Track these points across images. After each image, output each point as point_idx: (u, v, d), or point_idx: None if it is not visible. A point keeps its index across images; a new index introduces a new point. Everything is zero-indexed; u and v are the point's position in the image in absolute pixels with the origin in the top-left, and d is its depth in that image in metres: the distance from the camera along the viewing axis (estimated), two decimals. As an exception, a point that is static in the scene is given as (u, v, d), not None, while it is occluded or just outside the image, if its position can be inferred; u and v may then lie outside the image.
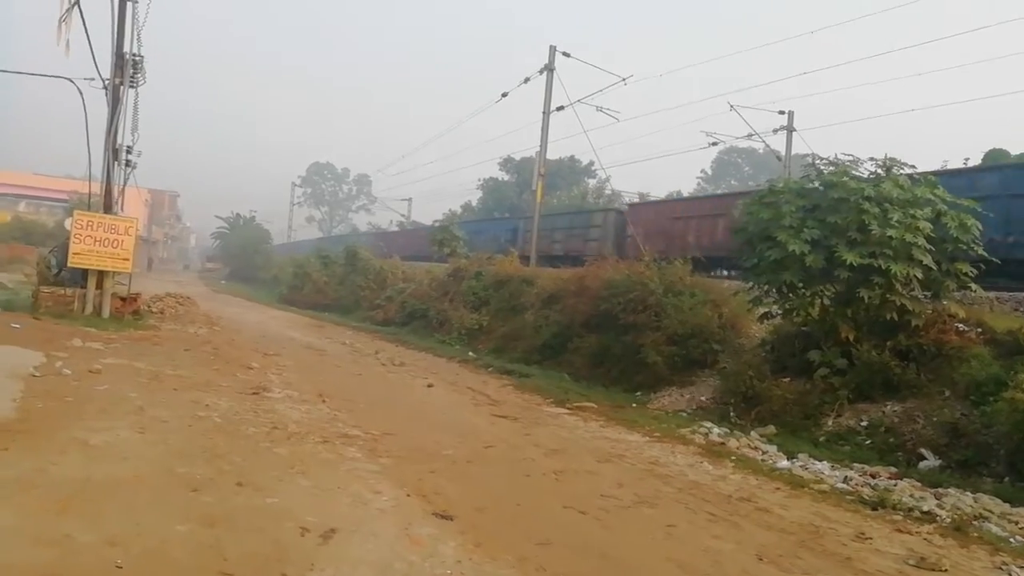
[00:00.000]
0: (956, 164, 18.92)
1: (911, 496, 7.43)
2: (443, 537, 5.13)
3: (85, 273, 15.97)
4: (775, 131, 30.14)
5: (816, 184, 11.32)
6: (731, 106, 28.16)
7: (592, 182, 52.70)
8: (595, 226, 27.49)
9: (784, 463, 8.77)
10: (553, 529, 5.67)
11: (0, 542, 4.14)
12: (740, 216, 12.32)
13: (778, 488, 7.69)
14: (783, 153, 30.54)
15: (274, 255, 59.01)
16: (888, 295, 9.99)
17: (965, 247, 10.22)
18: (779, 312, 11.63)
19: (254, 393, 9.90)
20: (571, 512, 6.19)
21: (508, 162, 56.03)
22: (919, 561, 5.63)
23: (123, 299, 16.58)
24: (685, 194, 50.16)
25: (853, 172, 11.00)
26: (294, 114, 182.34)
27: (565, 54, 27.07)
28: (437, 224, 37.26)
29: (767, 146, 32.05)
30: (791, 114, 29.88)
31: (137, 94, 16.98)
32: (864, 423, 9.67)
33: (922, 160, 11.88)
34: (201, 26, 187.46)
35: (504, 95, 29.90)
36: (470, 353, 18.64)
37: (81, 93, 15.74)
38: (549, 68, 27.10)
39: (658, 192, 47.13)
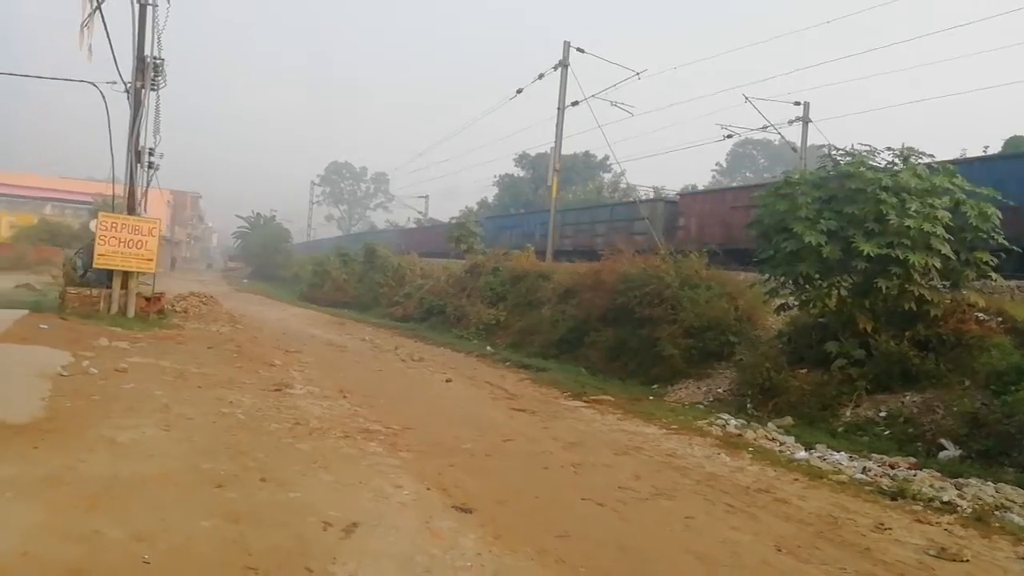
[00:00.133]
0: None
1: (931, 486, 7.39)
2: (463, 530, 5.20)
3: (110, 274, 16.23)
4: (790, 122, 29.85)
5: (832, 174, 11.25)
6: (746, 98, 27.89)
7: (607, 177, 52.61)
8: (641, 218, 25.66)
9: (802, 454, 8.76)
10: (572, 521, 5.72)
11: (31, 538, 4.23)
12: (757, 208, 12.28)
13: (796, 479, 7.69)
14: (799, 144, 30.25)
15: (294, 254, 59.51)
16: (906, 285, 9.92)
17: (985, 236, 10.11)
18: (796, 304, 11.58)
19: (276, 390, 10.05)
20: (589, 504, 6.24)
21: (523, 158, 55.99)
22: (940, 551, 5.61)
23: (148, 299, 16.82)
24: (700, 187, 49.83)
25: (870, 162, 10.90)
26: (313, 115, 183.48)
27: (579, 50, 27.00)
28: (454, 221, 37.31)
29: (782, 138, 31.74)
30: (807, 105, 29.58)
31: (158, 97, 17.19)
32: (883, 414, 9.62)
33: (941, 149, 11.76)
34: (222, 30, 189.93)
35: (519, 91, 29.88)
36: (488, 348, 18.74)
37: (104, 97, 15.99)
38: (563, 64, 27.05)
39: (673, 186, 46.91)
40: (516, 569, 4.61)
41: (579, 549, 5.09)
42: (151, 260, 16.55)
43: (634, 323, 14.71)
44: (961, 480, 7.65)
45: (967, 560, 5.50)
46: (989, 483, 7.51)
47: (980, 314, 10.27)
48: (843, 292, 10.51)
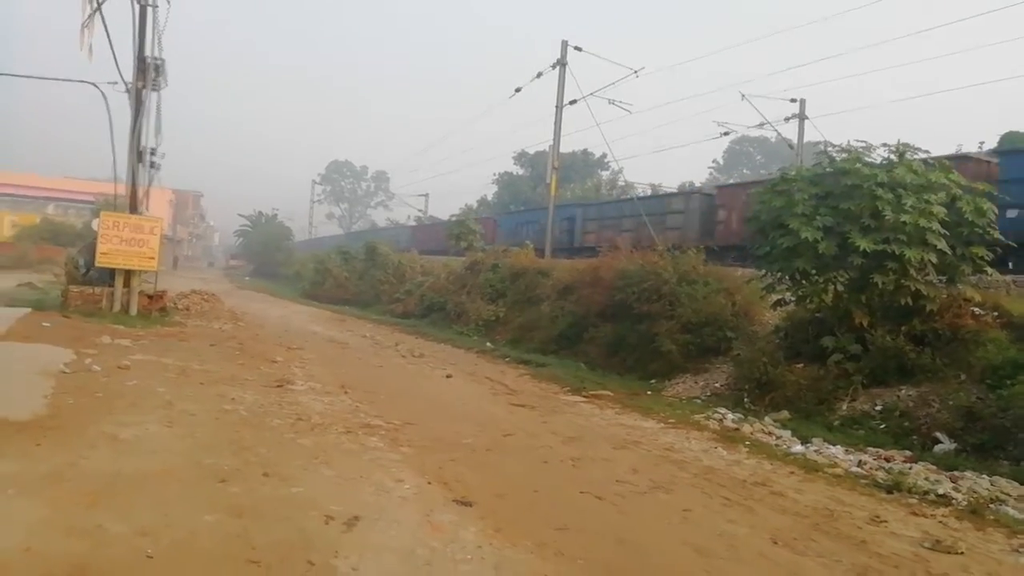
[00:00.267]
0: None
1: (926, 479, 7.45)
2: (464, 523, 5.26)
3: (113, 272, 16.28)
4: (787, 119, 29.90)
5: (829, 171, 11.29)
6: (743, 95, 27.97)
7: (605, 174, 52.65)
8: (674, 212, 24.58)
9: (798, 448, 8.82)
10: (571, 515, 5.78)
11: (34, 534, 4.25)
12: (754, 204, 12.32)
13: (792, 472, 7.75)
14: (795, 141, 30.27)
15: (296, 251, 59.59)
16: (902, 280, 9.96)
17: (981, 231, 10.16)
18: (792, 299, 11.64)
19: (278, 386, 10.11)
20: (588, 498, 6.30)
21: (522, 156, 56.08)
22: (935, 544, 5.65)
23: (150, 297, 16.88)
24: (697, 184, 49.76)
25: (866, 158, 10.95)
26: (314, 116, 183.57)
27: (577, 48, 27.04)
28: (454, 219, 37.28)
29: (779, 135, 31.74)
30: (803, 102, 29.62)
31: (159, 97, 17.22)
32: (878, 407, 9.67)
33: (936, 145, 11.81)
34: (222, 35, 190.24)
35: (518, 90, 29.90)
36: (488, 344, 18.82)
37: (105, 97, 16.04)
38: (561, 63, 27.07)
39: (670, 183, 46.87)
40: (516, 562, 4.66)
41: (578, 542, 5.14)
42: (153, 258, 16.60)
43: (632, 319, 14.79)
44: (956, 473, 7.71)
45: (962, 553, 5.54)
46: (984, 476, 7.58)
47: (976, 309, 10.31)
48: (839, 287, 10.55)
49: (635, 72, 26.25)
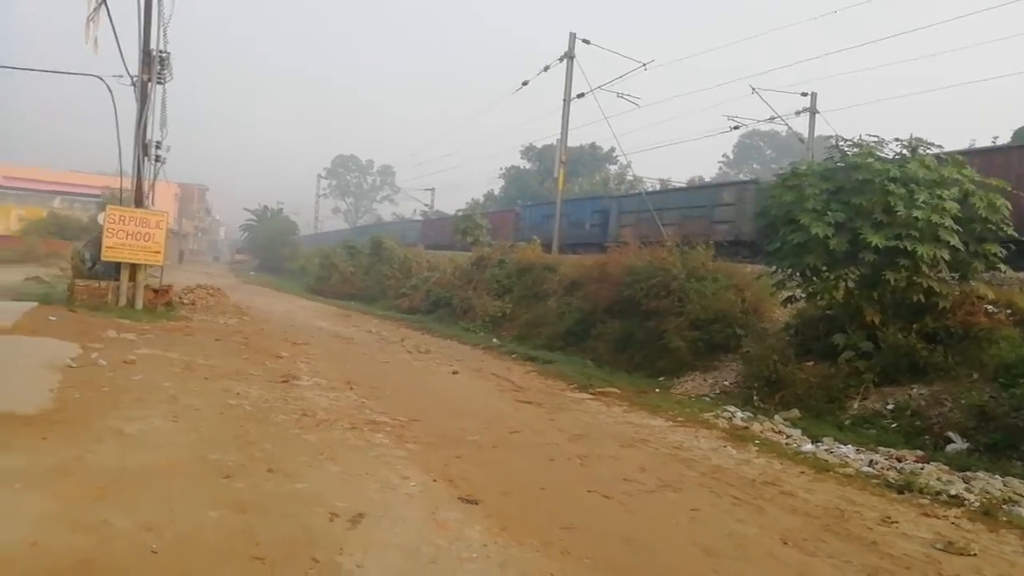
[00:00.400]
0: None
1: (938, 480, 7.37)
2: (469, 521, 5.22)
3: (118, 266, 16.30)
4: (798, 113, 29.65)
5: (840, 166, 11.18)
6: (753, 89, 27.71)
7: (613, 168, 52.48)
8: (725, 204, 22.26)
9: (808, 447, 8.75)
10: (577, 513, 5.74)
11: (40, 528, 4.25)
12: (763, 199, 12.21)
13: (802, 472, 7.68)
14: (806, 135, 30.08)
15: (301, 246, 59.72)
16: (914, 277, 9.86)
17: (994, 227, 10.04)
18: (803, 296, 11.55)
19: (283, 381, 10.08)
20: (595, 496, 6.26)
21: (530, 150, 55.98)
22: (947, 545, 5.60)
23: (155, 291, 16.91)
24: (707, 178, 49.51)
25: (878, 153, 10.82)
26: (319, 111, 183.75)
27: (585, 41, 26.86)
28: (461, 213, 37.14)
29: (790, 129, 31.51)
30: (814, 96, 29.38)
31: (165, 90, 17.20)
32: (890, 406, 9.58)
33: (950, 140, 11.68)
34: (228, 33, 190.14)
35: (525, 83, 29.80)
36: (494, 340, 18.77)
37: (111, 90, 16.06)
38: (569, 56, 26.91)
39: (679, 178, 46.60)
40: (522, 560, 4.62)
41: (584, 541, 5.10)
42: (159, 252, 16.61)
43: (640, 315, 14.70)
44: (968, 474, 7.63)
45: (974, 554, 5.48)
46: (997, 477, 7.50)
47: (989, 306, 10.20)
48: (850, 284, 10.46)
49: (644, 65, 26.04)
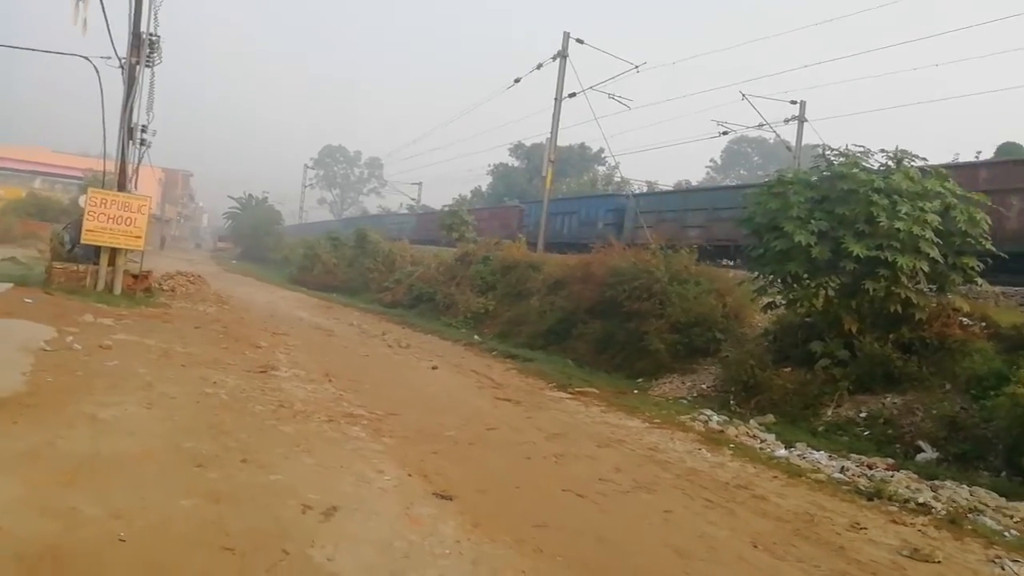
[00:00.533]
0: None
1: (907, 488, 7.48)
2: (443, 517, 5.22)
3: (98, 250, 16.09)
4: (786, 121, 29.85)
5: (825, 175, 11.28)
6: (743, 95, 27.88)
7: (601, 169, 52.59)
8: None
9: (782, 452, 8.84)
10: (551, 512, 5.76)
11: (7, 513, 4.20)
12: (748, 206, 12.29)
13: (775, 476, 7.76)
14: (793, 143, 30.29)
15: (285, 236, 59.17)
16: (893, 287, 9.97)
17: (973, 241, 10.18)
18: (783, 302, 11.64)
19: (261, 371, 10.02)
20: (570, 495, 6.28)
21: (519, 148, 55.90)
22: (912, 552, 5.68)
23: (135, 276, 16.71)
24: (694, 183, 49.61)
25: (863, 163, 10.94)
26: (307, 100, 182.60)
27: (579, 41, 26.85)
28: (447, 208, 36.96)
29: (777, 136, 31.71)
30: (803, 104, 29.57)
31: (153, 74, 16.95)
32: (863, 414, 9.71)
33: (934, 153, 11.83)
34: (218, 17, 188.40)
35: (517, 81, 29.74)
36: (475, 337, 18.76)
37: (98, 72, 15.82)
38: (562, 55, 26.89)
39: (666, 181, 46.73)
40: (494, 557, 4.63)
41: (557, 539, 5.12)
42: (140, 237, 16.42)
43: (622, 316, 14.77)
44: (937, 482, 7.73)
45: (939, 561, 5.57)
46: (964, 486, 7.60)
47: (964, 319, 10.35)
48: (830, 292, 10.57)
49: (636, 67, 26.09)
